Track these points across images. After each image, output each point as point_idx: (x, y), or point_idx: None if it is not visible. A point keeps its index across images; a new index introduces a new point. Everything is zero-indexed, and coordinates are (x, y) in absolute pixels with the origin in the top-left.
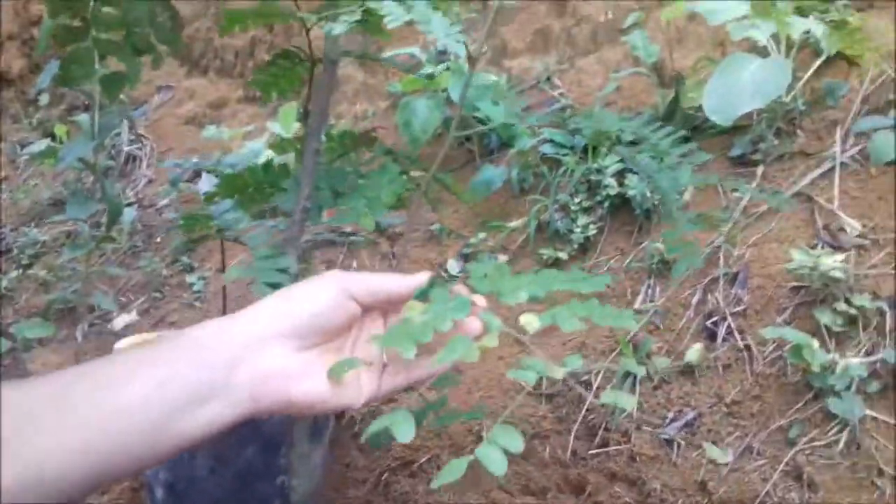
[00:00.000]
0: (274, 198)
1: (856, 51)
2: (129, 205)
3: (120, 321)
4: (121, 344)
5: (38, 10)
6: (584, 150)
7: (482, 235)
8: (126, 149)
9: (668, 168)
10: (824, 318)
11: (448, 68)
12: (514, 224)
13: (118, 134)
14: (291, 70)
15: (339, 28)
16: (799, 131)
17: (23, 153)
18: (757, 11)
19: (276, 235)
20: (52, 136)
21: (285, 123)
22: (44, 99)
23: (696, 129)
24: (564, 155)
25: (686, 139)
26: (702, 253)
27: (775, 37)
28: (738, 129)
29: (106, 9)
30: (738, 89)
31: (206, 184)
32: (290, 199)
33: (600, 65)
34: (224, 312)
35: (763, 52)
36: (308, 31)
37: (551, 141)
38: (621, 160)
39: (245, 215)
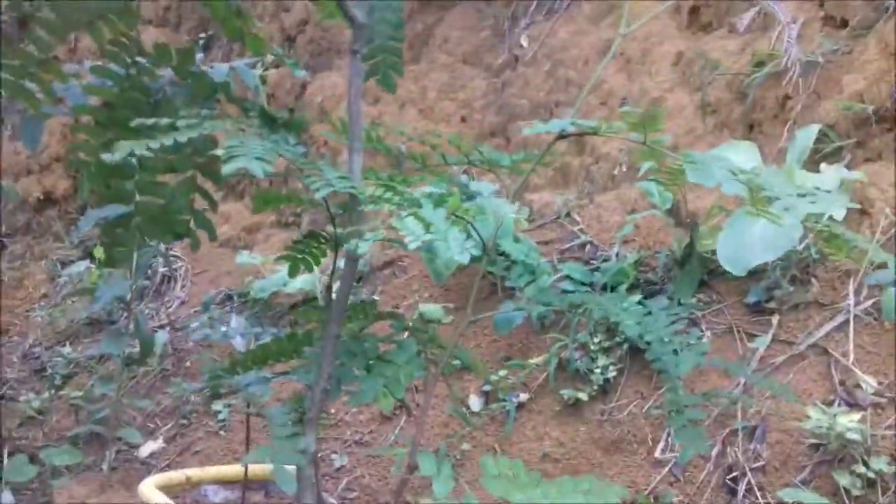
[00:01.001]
0: (295, 372)
1: (852, 259)
2: (160, 327)
3: (146, 449)
4: (144, 486)
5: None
6: (604, 287)
7: (503, 373)
8: (161, 269)
9: (674, 346)
10: (843, 480)
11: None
12: (534, 361)
13: (154, 255)
14: (317, 248)
15: (363, 247)
16: (813, 280)
17: (62, 272)
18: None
19: (294, 415)
20: (91, 257)
21: None
22: (85, 219)
23: (712, 272)
24: (584, 292)
25: (702, 282)
26: (710, 443)
27: None
28: (753, 273)
29: (148, 198)
30: (750, 241)
31: (236, 324)
32: (310, 373)
33: (619, 202)
34: (247, 443)
35: None
36: (333, 219)
37: (570, 277)
38: (640, 301)
39: (268, 385)
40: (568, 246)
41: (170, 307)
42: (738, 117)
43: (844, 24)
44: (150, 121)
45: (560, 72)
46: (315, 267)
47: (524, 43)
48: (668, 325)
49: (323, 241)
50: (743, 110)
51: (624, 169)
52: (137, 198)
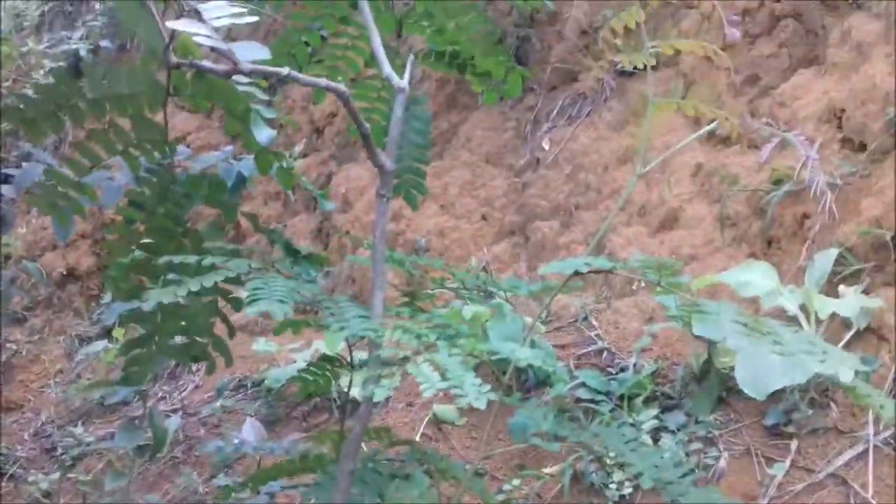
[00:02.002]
0: (309, 492)
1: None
2: (173, 411)
3: None
4: None
5: (109, 215)
6: (620, 398)
7: (516, 482)
8: None
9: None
10: None
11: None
12: (548, 471)
13: None
14: (331, 372)
15: (380, 393)
16: (832, 404)
17: (80, 349)
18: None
19: None
20: (110, 336)
21: (330, 345)
22: (106, 297)
23: (731, 389)
24: (600, 401)
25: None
26: None
27: (805, 307)
28: (771, 394)
29: (171, 321)
30: (768, 365)
31: (250, 432)
32: (324, 495)
33: (637, 309)
34: None
35: (793, 323)
36: (351, 352)
37: (587, 385)
38: (657, 416)
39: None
40: (585, 351)
41: (183, 391)
42: (756, 232)
43: (863, 147)
44: (178, 258)
45: (580, 175)
46: (330, 386)
47: (545, 146)
48: (681, 474)
49: (338, 364)
50: (762, 226)
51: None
52: (159, 318)
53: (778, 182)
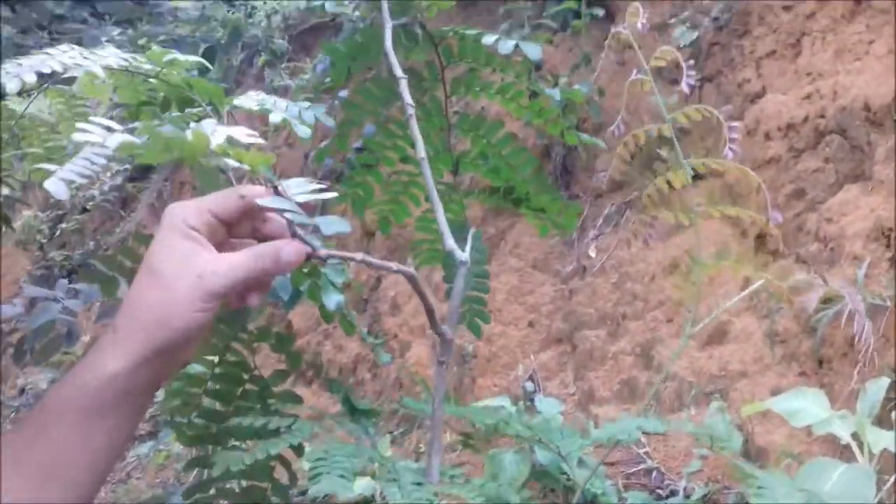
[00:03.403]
0: None
1: None
2: None
3: None
4: None
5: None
6: None
7: None
8: None
9: None
10: None
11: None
12: None
13: None
14: None
15: None
16: None
17: (129, 449)
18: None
19: None
20: (155, 434)
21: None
22: (158, 396)
23: None
24: None
25: None
26: None
27: (857, 436)
28: None
29: (234, 466)
30: (824, 493)
31: None
32: None
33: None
34: None
35: (846, 452)
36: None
37: None
38: None
39: None
40: (633, 470)
41: None
42: (806, 351)
43: None
44: (246, 421)
45: (627, 285)
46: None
47: (592, 254)
48: None
49: None
50: (812, 345)
51: (692, 393)
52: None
53: (827, 301)
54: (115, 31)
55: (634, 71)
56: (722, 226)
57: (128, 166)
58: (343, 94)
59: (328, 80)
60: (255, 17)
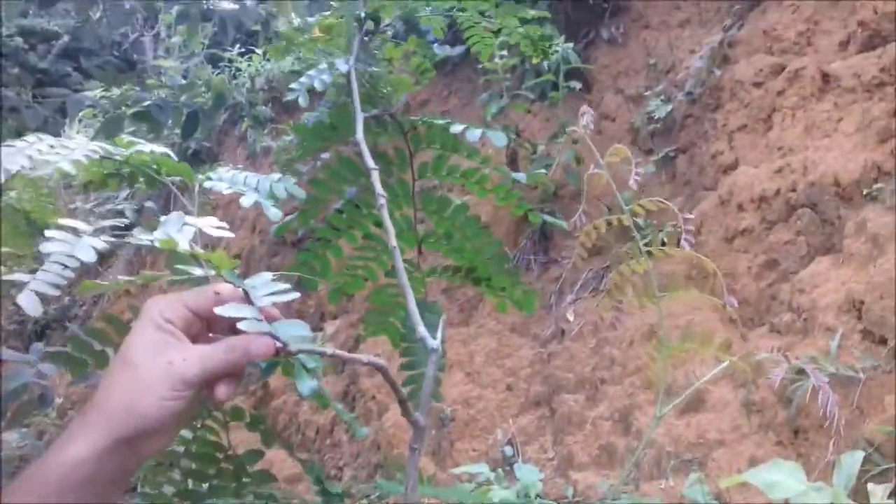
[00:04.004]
0: None
1: None
2: None
3: None
4: None
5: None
6: None
7: None
8: None
9: None
10: None
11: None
12: None
13: None
14: None
15: None
16: None
17: None
18: None
19: None
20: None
21: None
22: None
23: None
24: None
25: None
26: None
27: None
28: None
29: None
30: None
31: None
32: None
33: (664, 494)
34: None
35: None
36: None
37: None
38: None
39: None
40: None
41: None
42: (782, 421)
43: (883, 340)
44: (222, 501)
45: (605, 350)
46: None
47: (570, 318)
48: None
49: None
50: (787, 415)
51: (671, 462)
52: None
53: (801, 371)
54: (98, 92)
55: (592, 166)
56: (698, 296)
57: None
58: (305, 168)
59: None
60: (239, 78)
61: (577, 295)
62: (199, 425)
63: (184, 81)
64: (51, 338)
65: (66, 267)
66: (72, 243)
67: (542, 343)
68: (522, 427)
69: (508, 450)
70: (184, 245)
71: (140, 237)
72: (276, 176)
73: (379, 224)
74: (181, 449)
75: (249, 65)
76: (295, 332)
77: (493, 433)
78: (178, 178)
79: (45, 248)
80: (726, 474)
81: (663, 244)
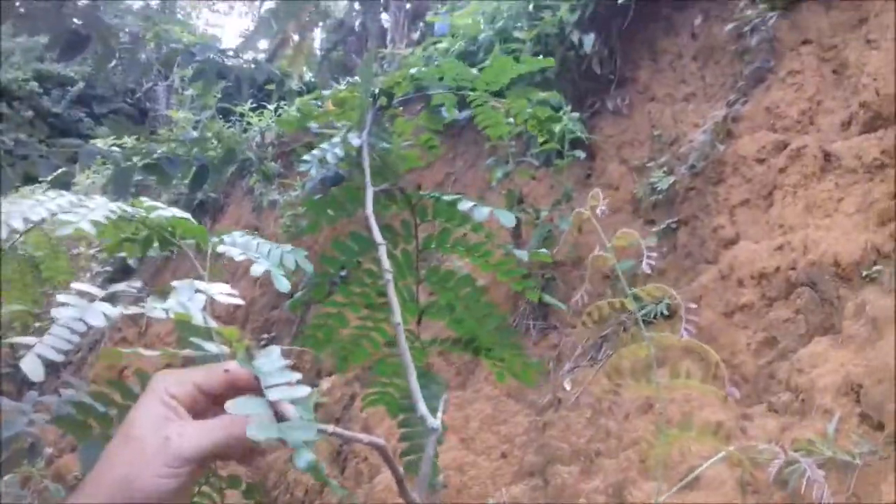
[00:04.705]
0: None
1: None
2: None
3: None
4: None
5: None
6: None
7: None
8: None
9: None
10: None
11: None
12: None
13: None
14: None
15: None
16: None
17: None
18: None
19: None
20: None
21: None
22: None
23: None
24: None
25: None
26: None
27: None
28: None
29: None
30: None
31: None
32: None
33: None
34: None
35: None
36: None
37: None
38: None
39: None
40: None
41: None
42: (779, 501)
43: (881, 426)
44: None
45: (601, 421)
46: None
47: (567, 386)
48: None
49: None
50: (783, 496)
51: None
52: None
53: (797, 451)
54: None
55: (597, 247)
56: (694, 365)
57: (108, 268)
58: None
59: (315, 197)
60: (249, 132)
61: (575, 363)
62: (195, 491)
63: (195, 134)
64: (44, 383)
65: (73, 332)
66: (83, 308)
67: (538, 411)
68: (515, 496)
69: None
70: (197, 317)
71: (154, 307)
72: (288, 247)
73: (382, 294)
74: None
75: (260, 119)
76: (303, 436)
77: (486, 502)
78: (191, 241)
79: (56, 313)
80: None
81: (664, 315)
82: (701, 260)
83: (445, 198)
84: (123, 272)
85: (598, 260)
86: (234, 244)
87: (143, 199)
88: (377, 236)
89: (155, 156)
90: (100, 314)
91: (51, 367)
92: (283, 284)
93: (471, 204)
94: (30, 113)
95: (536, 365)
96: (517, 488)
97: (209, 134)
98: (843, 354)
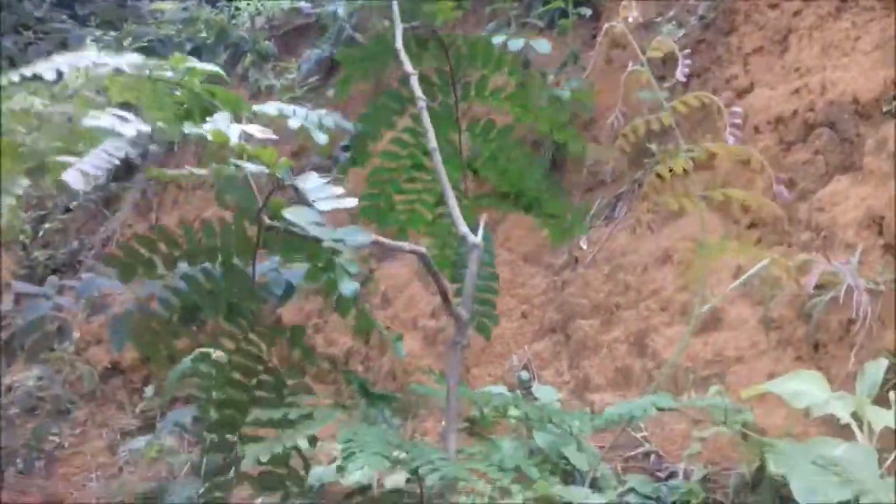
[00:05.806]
0: None
1: None
2: None
3: None
4: None
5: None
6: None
7: None
8: None
9: None
10: None
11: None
12: None
13: None
14: None
15: None
16: None
17: (122, 443)
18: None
19: None
20: (146, 430)
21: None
22: (149, 391)
23: (785, 498)
24: None
25: None
26: None
27: (857, 415)
28: None
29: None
30: (824, 476)
31: None
32: None
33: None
34: None
35: (845, 432)
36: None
37: (636, 491)
38: None
39: None
40: (632, 454)
41: None
42: (801, 336)
43: None
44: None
45: (619, 276)
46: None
47: (583, 245)
48: None
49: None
50: (807, 330)
51: (690, 378)
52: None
53: (821, 286)
54: (98, 32)
55: (630, 63)
56: (712, 216)
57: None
58: (330, 92)
59: (312, 79)
60: (238, 18)
61: (590, 223)
62: (241, 338)
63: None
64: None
65: (111, 155)
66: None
67: (555, 272)
68: (538, 352)
69: (524, 374)
70: (234, 139)
71: (191, 129)
72: (324, 110)
73: (426, 153)
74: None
75: (248, 4)
76: (357, 238)
77: (509, 359)
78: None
79: (87, 121)
80: (747, 388)
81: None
82: (714, 112)
83: (479, 36)
84: (129, 167)
85: (628, 78)
86: (270, 107)
87: (176, 54)
88: (408, 67)
89: (147, 39)
90: (134, 128)
91: (69, 270)
92: (321, 138)
93: (503, 37)
94: (14, 17)
95: (584, 205)
96: (539, 345)
97: (199, 20)
98: (864, 190)
